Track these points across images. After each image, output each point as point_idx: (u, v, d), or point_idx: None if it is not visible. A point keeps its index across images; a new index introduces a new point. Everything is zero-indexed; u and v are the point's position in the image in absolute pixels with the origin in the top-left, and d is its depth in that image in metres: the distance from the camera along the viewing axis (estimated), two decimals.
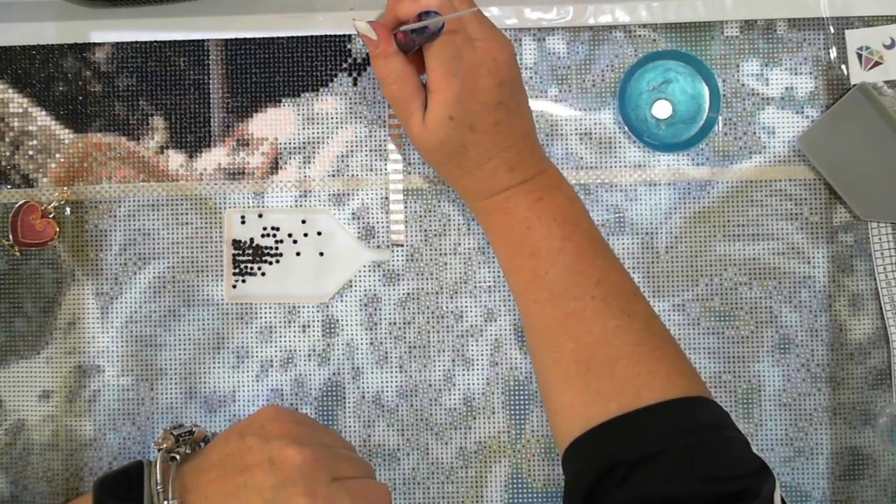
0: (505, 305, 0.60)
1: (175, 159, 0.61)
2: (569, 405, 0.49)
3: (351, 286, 0.60)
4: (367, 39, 0.50)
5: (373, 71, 0.51)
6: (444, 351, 0.60)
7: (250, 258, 0.60)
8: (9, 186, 0.61)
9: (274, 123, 0.61)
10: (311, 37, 0.61)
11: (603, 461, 0.45)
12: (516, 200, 0.51)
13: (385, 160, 0.61)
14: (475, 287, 0.60)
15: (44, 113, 0.61)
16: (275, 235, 0.60)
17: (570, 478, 0.48)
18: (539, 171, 0.52)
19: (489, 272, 0.60)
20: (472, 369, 0.60)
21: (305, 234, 0.60)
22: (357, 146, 0.61)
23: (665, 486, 0.43)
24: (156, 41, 0.61)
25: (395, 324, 0.60)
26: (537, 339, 0.52)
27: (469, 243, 0.60)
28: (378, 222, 0.60)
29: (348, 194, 0.61)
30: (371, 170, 0.61)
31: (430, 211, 0.60)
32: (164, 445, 0.50)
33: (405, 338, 0.60)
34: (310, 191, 0.60)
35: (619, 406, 0.47)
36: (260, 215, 0.60)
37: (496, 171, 0.51)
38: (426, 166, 0.60)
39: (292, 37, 0.61)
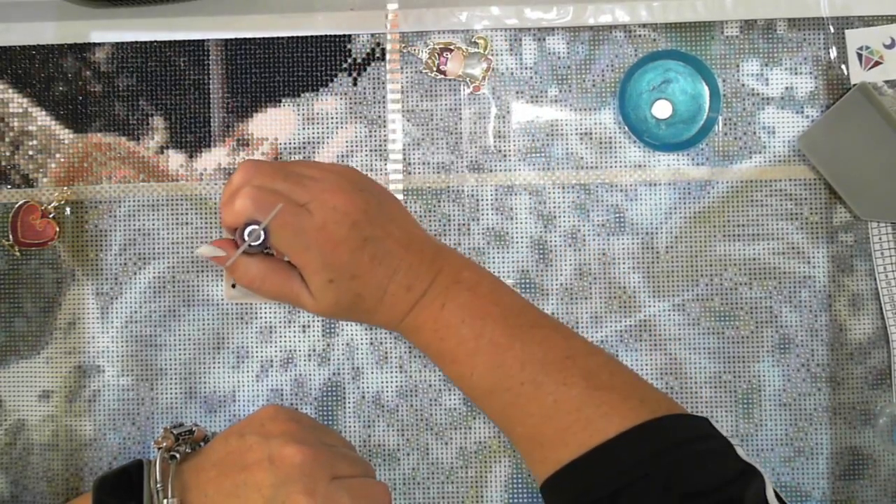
0: None
1: (175, 159, 0.61)
2: (534, 472, 0.50)
3: None
4: (216, 259, 0.49)
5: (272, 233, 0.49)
6: None
7: None
8: (9, 186, 0.61)
9: (274, 123, 0.61)
10: (311, 37, 0.61)
11: (579, 499, 0.45)
12: (422, 317, 0.51)
13: (385, 160, 0.61)
14: None
15: (44, 113, 0.61)
16: None
17: None
18: (434, 273, 0.51)
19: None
20: None
21: None
22: (357, 146, 0.61)
23: None
24: (156, 41, 0.61)
25: None
26: (493, 421, 0.52)
27: (469, 243, 0.60)
28: None
29: None
30: (371, 170, 0.61)
31: (430, 211, 0.60)
32: (164, 444, 0.50)
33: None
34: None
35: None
36: None
37: (395, 298, 0.50)
38: (426, 166, 0.60)
39: (292, 37, 0.61)
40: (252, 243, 0.47)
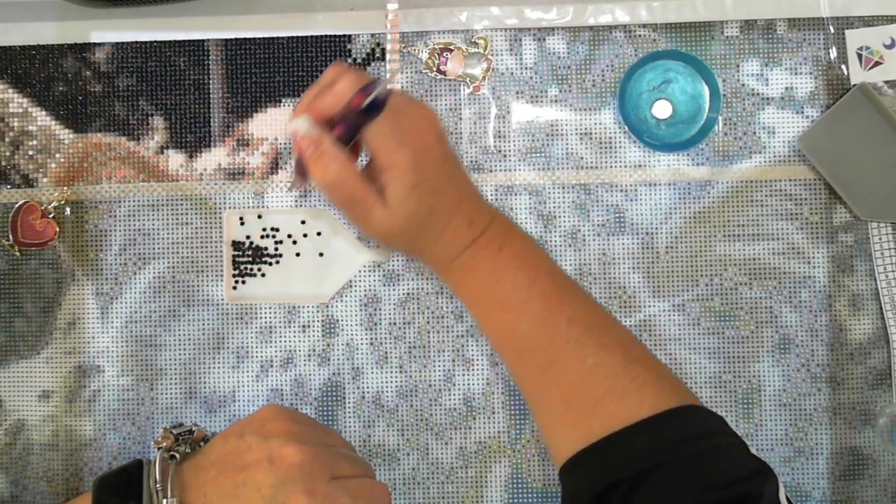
0: None
1: (175, 159, 0.61)
2: (559, 441, 0.49)
3: (351, 286, 0.60)
4: (306, 141, 0.47)
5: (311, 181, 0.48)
6: (444, 351, 0.60)
7: (250, 259, 0.60)
8: (9, 186, 0.61)
9: (274, 123, 0.61)
10: (311, 37, 0.61)
11: (600, 480, 0.45)
12: (481, 255, 0.51)
13: None
14: None
15: (44, 113, 0.61)
16: (274, 236, 0.60)
17: (567, 499, 0.48)
18: (491, 216, 0.52)
19: None
20: (472, 369, 0.60)
21: (305, 235, 0.60)
22: None
23: (666, 501, 0.43)
24: (156, 41, 0.61)
25: (395, 324, 0.60)
26: (521, 384, 0.52)
27: None
28: None
29: None
30: None
31: None
32: (164, 444, 0.50)
33: (405, 338, 0.60)
34: (310, 191, 0.60)
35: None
36: (259, 216, 0.60)
37: (459, 229, 0.50)
38: None
39: (292, 37, 0.61)
40: (379, 95, 0.45)
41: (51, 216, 0.60)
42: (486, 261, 0.51)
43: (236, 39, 0.61)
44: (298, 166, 0.48)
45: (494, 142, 0.60)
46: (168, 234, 0.61)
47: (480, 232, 0.51)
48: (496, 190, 0.60)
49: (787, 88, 0.60)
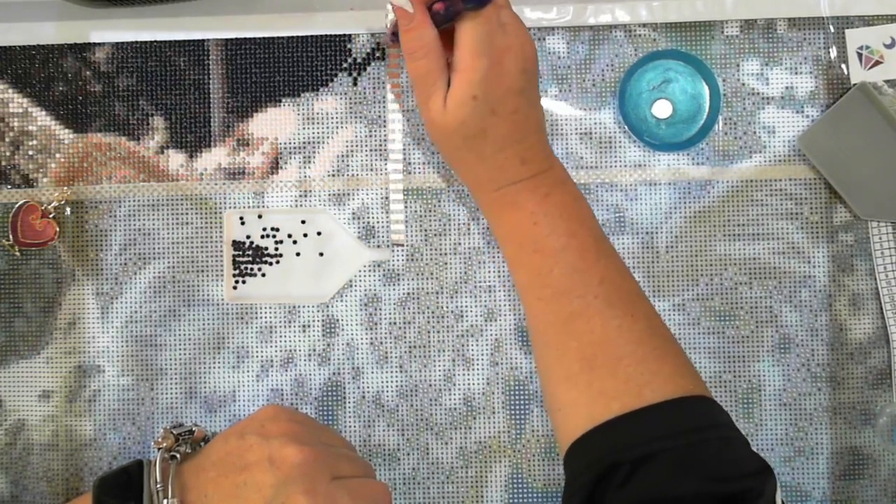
0: (505, 305, 0.60)
1: (175, 159, 0.61)
2: (571, 404, 0.49)
3: (351, 286, 0.60)
4: (401, 12, 0.50)
5: (401, 48, 0.51)
6: (444, 351, 0.60)
7: (250, 259, 0.60)
8: (9, 186, 0.61)
9: (274, 123, 0.61)
10: (311, 37, 0.61)
11: (605, 460, 0.45)
12: (525, 195, 0.51)
13: (385, 160, 0.61)
14: (475, 287, 0.60)
15: (44, 113, 0.61)
16: (274, 236, 0.60)
17: (570, 477, 0.48)
18: (548, 166, 0.52)
19: (489, 272, 0.60)
20: (472, 369, 0.60)
21: (305, 235, 0.60)
22: (357, 146, 0.61)
23: (667, 487, 0.43)
24: (156, 41, 0.61)
25: (395, 324, 0.60)
26: (540, 337, 0.52)
27: (469, 243, 0.60)
28: (378, 222, 0.60)
29: (348, 194, 0.61)
30: (371, 170, 0.61)
31: (430, 211, 0.60)
32: (164, 444, 0.50)
33: (405, 338, 0.60)
34: (310, 191, 0.60)
35: (621, 405, 0.47)
36: (259, 216, 0.60)
37: (509, 162, 0.51)
38: (426, 166, 0.60)
39: (292, 37, 0.61)
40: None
41: (51, 216, 0.60)
42: (528, 201, 0.51)
43: (236, 39, 0.61)
44: (393, 27, 0.52)
45: None
46: (168, 234, 0.61)
47: (532, 175, 0.51)
48: None
49: (787, 88, 0.60)
